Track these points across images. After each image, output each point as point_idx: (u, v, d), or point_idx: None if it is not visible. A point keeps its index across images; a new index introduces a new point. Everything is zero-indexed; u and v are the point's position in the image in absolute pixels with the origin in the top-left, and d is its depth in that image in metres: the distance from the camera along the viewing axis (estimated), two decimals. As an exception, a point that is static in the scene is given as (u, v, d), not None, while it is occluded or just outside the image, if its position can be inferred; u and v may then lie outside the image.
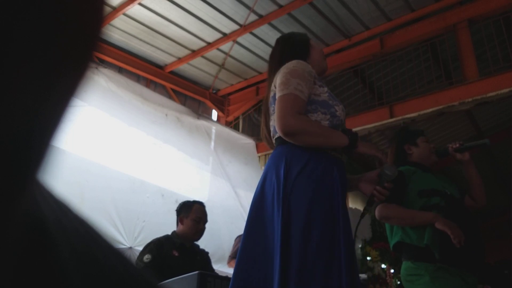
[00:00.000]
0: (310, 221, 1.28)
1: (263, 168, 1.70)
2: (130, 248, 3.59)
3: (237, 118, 6.21)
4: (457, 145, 2.11)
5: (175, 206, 2.89)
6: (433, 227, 1.85)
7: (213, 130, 5.08)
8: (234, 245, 3.59)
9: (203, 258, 2.80)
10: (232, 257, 3.50)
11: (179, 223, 2.75)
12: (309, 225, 1.28)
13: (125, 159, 3.88)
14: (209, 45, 5.17)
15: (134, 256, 2.86)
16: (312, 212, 1.29)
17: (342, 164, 1.44)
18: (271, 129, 1.53)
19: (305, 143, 1.38)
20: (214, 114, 6.14)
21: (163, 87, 5.60)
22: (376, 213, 2.00)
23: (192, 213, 2.73)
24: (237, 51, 5.35)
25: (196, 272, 1.89)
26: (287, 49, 1.63)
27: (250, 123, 6.19)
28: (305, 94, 1.39)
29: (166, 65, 5.53)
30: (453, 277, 1.83)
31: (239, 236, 3.60)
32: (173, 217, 2.82)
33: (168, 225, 2.91)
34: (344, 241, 1.29)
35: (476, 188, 2.11)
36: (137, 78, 5.14)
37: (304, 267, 1.23)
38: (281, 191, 1.32)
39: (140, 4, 4.42)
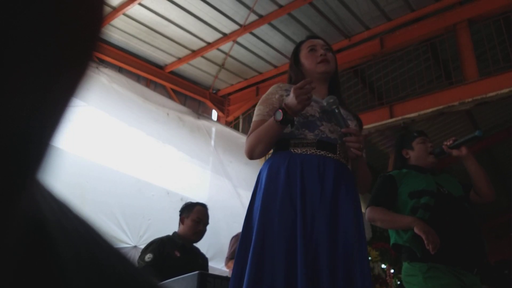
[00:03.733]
0: (262, 224, 1.35)
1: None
2: (135, 247, 3.58)
3: (237, 118, 6.21)
4: (451, 141, 2.12)
5: (181, 205, 2.91)
6: (433, 222, 1.88)
7: (213, 130, 5.07)
8: (230, 247, 3.57)
9: (204, 262, 2.81)
10: (229, 258, 3.48)
11: (180, 224, 2.77)
12: (262, 229, 1.34)
13: (127, 158, 3.88)
14: (209, 45, 5.17)
15: (139, 255, 2.86)
16: (263, 215, 1.36)
17: (308, 157, 1.44)
18: None
19: (262, 153, 1.53)
20: (214, 114, 6.14)
21: (163, 87, 5.60)
22: (366, 215, 2.05)
23: (193, 214, 2.74)
24: (237, 51, 5.35)
25: (196, 272, 1.89)
26: (288, 78, 1.75)
27: (250, 123, 6.19)
28: (263, 114, 1.55)
29: (166, 65, 5.53)
30: (447, 276, 1.84)
31: (234, 237, 3.59)
32: (178, 215, 2.84)
33: (173, 223, 2.91)
34: (305, 236, 1.30)
35: (479, 182, 2.09)
36: (137, 78, 5.14)
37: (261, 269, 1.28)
38: (249, 201, 1.49)
39: (140, 4, 4.42)
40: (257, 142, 1.49)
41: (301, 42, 1.75)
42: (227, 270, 3.57)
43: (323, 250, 1.29)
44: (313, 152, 1.44)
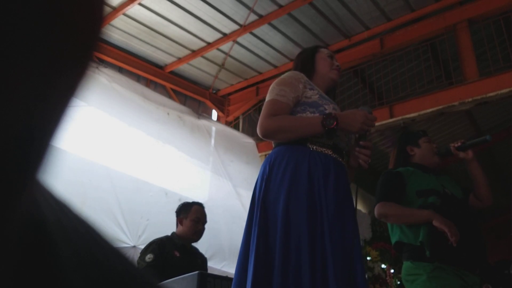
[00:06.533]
0: (288, 221, 1.32)
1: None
2: (134, 247, 3.58)
3: (237, 118, 6.21)
4: (459, 143, 2.11)
5: (179, 205, 2.90)
6: (428, 225, 1.85)
7: (213, 130, 5.07)
8: None
9: (203, 262, 2.81)
10: None
11: (179, 224, 2.77)
12: (287, 225, 1.31)
13: (128, 158, 3.88)
14: (209, 45, 5.16)
15: (138, 255, 2.86)
16: (288, 211, 1.33)
17: (327, 158, 1.45)
18: None
19: (282, 140, 1.48)
20: (214, 114, 6.13)
21: (163, 87, 5.60)
22: (375, 211, 2.01)
23: (191, 214, 2.74)
24: (237, 51, 5.34)
25: (196, 272, 1.89)
26: (295, 66, 1.76)
27: (251, 123, 6.19)
28: (288, 98, 1.50)
29: (166, 65, 5.53)
30: (451, 276, 1.83)
31: None
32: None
33: (171, 224, 2.91)
34: (331, 237, 1.30)
35: (481, 187, 2.09)
36: (137, 78, 5.14)
37: (287, 268, 1.25)
38: (261, 192, 1.41)
39: (140, 4, 4.42)
40: (287, 130, 1.44)
41: (320, 46, 1.84)
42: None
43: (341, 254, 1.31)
44: (330, 154, 1.47)
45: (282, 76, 1.59)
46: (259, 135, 1.48)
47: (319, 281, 1.23)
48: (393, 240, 2.05)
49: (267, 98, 1.53)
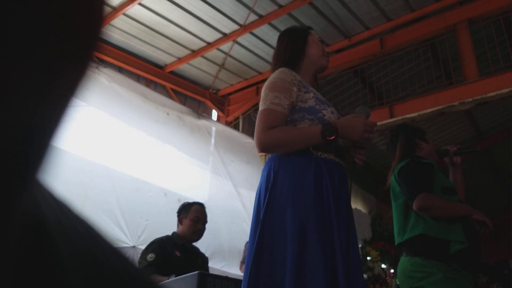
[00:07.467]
0: (299, 227, 1.30)
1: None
2: (134, 247, 3.59)
3: (237, 118, 6.21)
4: (455, 148, 2.24)
5: (178, 205, 2.91)
6: (463, 222, 1.90)
7: (214, 130, 5.07)
8: (245, 251, 3.58)
9: (204, 261, 2.81)
10: (243, 262, 3.50)
11: (179, 224, 2.78)
12: (299, 230, 1.30)
13: (128, 158, 3.88)
14: (209, 45, 5.16)
15: (137, 255, 2.87)
16: (298, 219, 1.31)
17: (331, 163, 1.44)
18: None
19: (281, 152, 1.43)
20: (214, 114, 6.13)
21: (163, 87, 5.60)
22: (417, 202, 1.89)
23: (191, 213, 2.75)
24: (237, 51, 5.34)
25: (196, 272, 1.89)
26: (282, 49, 1.64)
27: (250, 123, 6.18)
28: (283, 106, 1.42)
29: (166, 65, 5.53)
30: (464, 280, 1.85)
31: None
32: (176, 216, 2.84)
33: (170, 224, 2.92)
34: (340, 241, 1.31)
35: (461, 191, 2.18)
36: (137, 78, 5.13)
37: (300, 272, 1.25)
38: (266, 200, 1.37)
39: (140, 4, 4.42)
40: (286, 144, 1.40)
41: (311, 28, 1.73)
42: (241, 273, 3.57)
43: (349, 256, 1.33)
44: (333, 159, 1.45)
45: (273, 78, 1.49)
46: (257, 149, 1.42)
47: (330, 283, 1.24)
48: (412, 234, 1.94)
49: (260, 107, 1.45)
